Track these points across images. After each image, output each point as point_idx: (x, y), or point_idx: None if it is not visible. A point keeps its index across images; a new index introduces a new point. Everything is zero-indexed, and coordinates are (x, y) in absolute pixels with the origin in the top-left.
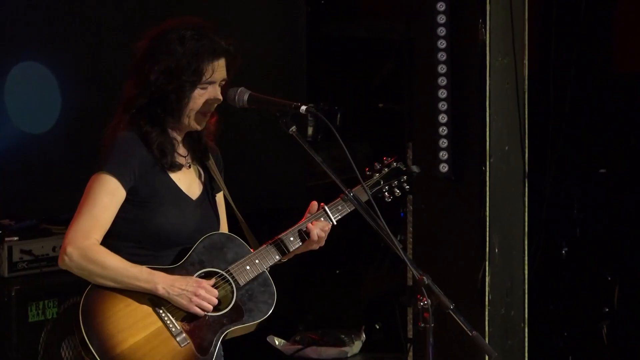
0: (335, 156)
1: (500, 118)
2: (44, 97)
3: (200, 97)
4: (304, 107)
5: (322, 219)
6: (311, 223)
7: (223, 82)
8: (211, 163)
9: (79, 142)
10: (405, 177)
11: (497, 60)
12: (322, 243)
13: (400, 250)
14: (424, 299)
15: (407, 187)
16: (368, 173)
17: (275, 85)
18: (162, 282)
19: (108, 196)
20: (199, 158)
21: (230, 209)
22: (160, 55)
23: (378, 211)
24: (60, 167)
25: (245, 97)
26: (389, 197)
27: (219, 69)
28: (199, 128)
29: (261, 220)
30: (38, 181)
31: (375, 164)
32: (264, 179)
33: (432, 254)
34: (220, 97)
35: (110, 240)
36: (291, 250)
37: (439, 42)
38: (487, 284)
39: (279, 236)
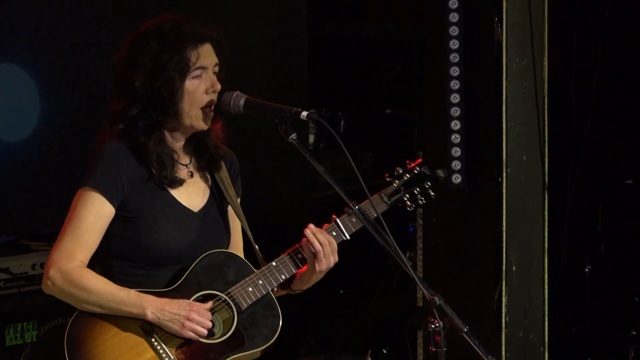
0: (339, 166)
1: (517, 125)
2: (21, 102)
3: (195, 88)
4: (305, 113)
5: (333, 233)
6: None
7: (217, 68)
8: (221, 170)
9: (59, 151)
10: (429, 182)
11: (515, 62)
12: (330, 261)
13: (409, 268)
14: (436, 321)
15: (432, 194)
16: (388, 179)
17: (274, 89)
18: (151, 306)
19: (93, 214)
20: (205, 166)
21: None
22: (141, 58)
23: (385, 226)
24: (41, 178)
25: (242, 102)
26: (411, 205)
27: (206, 54)
28: (204, 127)
29: (258, 237)
30: (16, 193)
31: (397, 168)
32: (261, 190)
33: (444, 272)
34: (218, 85)
35: (103, 260)
36: (301, 267)
37: (451, 43)
38: (503, 304)
39: (285, 253)
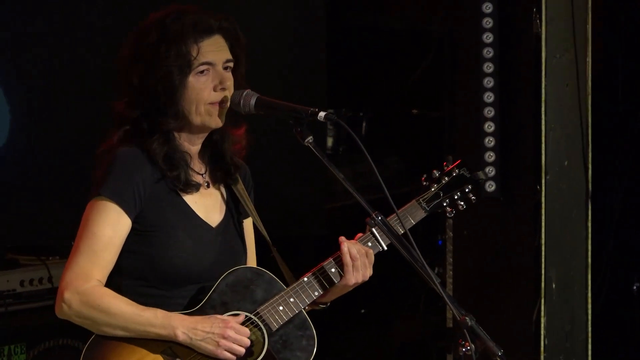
0: (360, 173)
1: (558, 127)
2: None
3: (200, 85)
4: (322, 114)
5: (369, 244)
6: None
7: (229, 65)
8: (237, 182)
9: (41, 158)
10: (470, 186)
11: (555, 57)
12: (366, 274)
13: (438, 285)
14: (467, 344)
15: (473, 198)
16: (425, 184)
17: (288, 87)
18: (181, 325)
19: (110, 227)
20: (221, 177)
21: (259, 237)
22: (141, 54)
23: (412, 239)
24: (28, 187)
25: (252, 101)
26: (452, 211)
27: (212, 48)
28: (217, 123)
29: (270, 250)
30: (1, 204)
31: (434, 171)
32: (272, 200)
33: (477, 290)
34: (230, 80)
35: (111, 278)
36: (336, 282)
37: (485, 36)
38: (542, 326)
39: (317, 267)
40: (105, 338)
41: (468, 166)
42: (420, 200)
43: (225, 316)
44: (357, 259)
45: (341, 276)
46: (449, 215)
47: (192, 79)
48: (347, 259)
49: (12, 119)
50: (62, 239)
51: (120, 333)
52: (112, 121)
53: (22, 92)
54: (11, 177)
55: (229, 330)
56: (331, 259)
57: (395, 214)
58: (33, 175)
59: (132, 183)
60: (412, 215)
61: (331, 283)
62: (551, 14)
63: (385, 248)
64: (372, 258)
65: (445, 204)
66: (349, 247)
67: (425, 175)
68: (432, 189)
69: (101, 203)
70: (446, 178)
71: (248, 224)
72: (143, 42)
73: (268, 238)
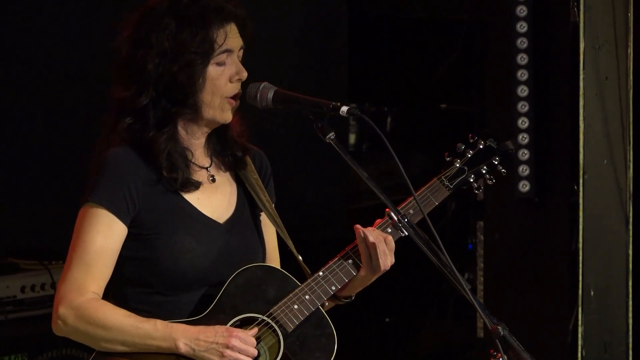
0: (384, 171)
1: (596, 123)
2: None
3: (218, 75)
4: (344, 108)
5: (388, 230)
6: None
7: (241, 52)
8: (249, 172)
9: (45, 159)
10: (498, 157)
11: (593, 49)
12: (387, 262)
13: (468, 292)
14: (499, 355)
15: (503, 170)
16: (448, 159)
17: (308, 79)
18: (183, 336)
19: (102, 234)
20: (228, 166)
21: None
22: (154, 36)
23: (440, 242)
24: (30, 187)
25: (270, 94)
26: (478, 187)
27: (232, 35)
28: (227, 119)
29: (290, 254)
30: (1, 205)
31: (459, 145)
32: (291, 201)
33: (509, 298)
34: (245, 72)
35: (116, 288)
36: (354, 274)
37: (519, 25)
38: (579, 336)
39: (333, 260)
40: (107, 354)
41: (497, 137)
42: (443, 177)
43: (230, 322)
44: (376, 246)
45: (359, 267)
46: (476, 192)
47: (211, 68)
48: (363, 247)
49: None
50: (65, 242)
51: (120, 348)
52: (109, 108)
53: (24, 94)
54: (12, 178)
55: (233, 340)
56: (348, 250)
57: (412, 198)
58: (34, 176)
59: (122, 186)
60: (434, 195)
61: (349, 275)
62: (590, 2)
63: (406, 233)
64: (393, 245)
65: (471, 180)
66: (366, 234)
67: (448, 152)
68: (456, 165)
69: (91, 210)
70: (471, 151)
71: (266, 218)
72: (156, 27)
73: (285, 232)
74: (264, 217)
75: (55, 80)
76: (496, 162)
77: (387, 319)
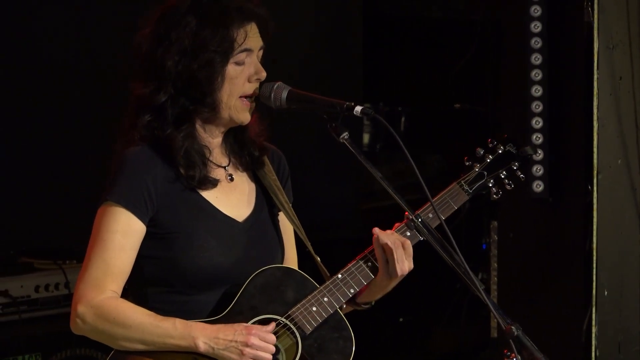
0: (399, 171)
1: (611, 122)
2: None
3: (237, 75)
4: (359, 108)
5: (407, 233)
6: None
7: (261, 53)
8: (267, 171)
9: (59, 157)
10: (517, 163)
11: (608, 49)
12: (404, 267)
13: (481, 292)
14: (513, 355)
15: (522, 176)
16: (467, 163)
17: (322, 79)
18: (202, 335)
19: (120, 233)
20: (247, 165)
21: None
22: (174, 34)
23: (454, 241)
24: (44, 187)
25: (284, 94)
26: (498, 192)
27: (251, 35)
28: (245, 119)
29: (304, 255)
30: (15, 204)
31: (478, 149)
32: (306, 200)
33: (523, 298)
34: (264, 72)
35: (136, 288)
36: (372, 276)
37: (533, 25)
38: (593, 336)
39: (352, 263)
40: (126, 353)
41: (516, 142)
42: (462, 182)
43: (249, 323)
44: (393, 251)
45: (377, 271)
46: (495, 197)
47: (230, 67)
48: (380, 251)
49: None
50: (79, 241)
51: (139, 347)
52: (128, 104)
53: (39, 92)
54: (26, 177)
55: (252, 338)
56: (367, 253)
57: (429, 204)
58: (48, 175)
59: (141, 185)
60: (453, 199)
61: (367, 278)
62: (604, 2)
63: (424, 238)
64: (411, 250)
65: (490, 185)
66: (383, 238)
67: (467, 156)
68: (476, 169)
69: (110, 209)
70: (490, 156)
71: (284, 217)
72: (177, 24)
73: (303, 233)
74: (281, 217)
75: (71, 81)
76: (515, 168)
77: (401, 319)
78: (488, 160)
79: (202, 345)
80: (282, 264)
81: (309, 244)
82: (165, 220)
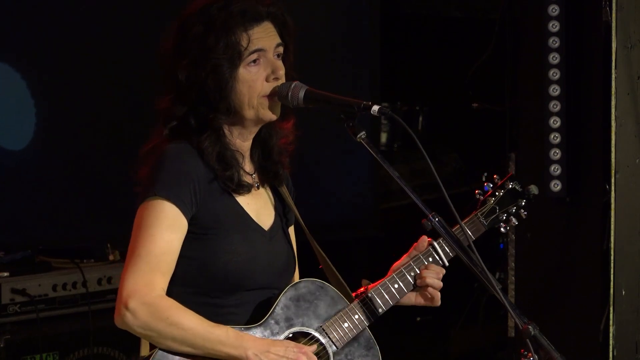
0: (416, 170)
1: (629, 121)
2: (16, 107)
3: (252, 77)
4: (376, 107)
5: (429, 259)
6: (424, 269)
7: (280, 49)
8: (284, 188)
9: (77, 157)
10: (522, 201)
11: (626, 48)
12: (438, 299)
13: (499, 291)
14: (530, 354)
15: (525, 213)
16: (481, 198)
17: (339, 78)
18: (253, 346)
19: (169, 229)
20: (268, 178)
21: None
22: (186, 47)
23: (472, 242)
24: (61, 186)
25: (301, 93)
26: (506, 227)
27: (262, 35)
28: (273, 116)
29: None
30: (32, 203)
31: (486, 184)
32: (323, 200)
33: (541, 297)
34: (282, 69)
35: None
36: (401, 297)
37: (551, 24)
38: (611, 335)
39: (381, 281)
40: (171, 354)
41: (532, 164)
42: (479, 214)
43: (283, 334)
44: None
45: (409, 289)
46: (504, 231)
47: (242, 70)
48: (429, 291)
49: (43, 119)
50: (96, 241)
51: (187, 349)
52: (156, 119)
53: (53, 92)
54: (43, 176)
55: (303, 357)
56: (402, 268)
57: (459, 226)
58: (66, 174)
59: (188, 182)
60: (472, 229)
61: (395, 299)
62: (622, 1)
63: (447, 264)
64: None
65: (501, 219)
66: (433, 284)
67: (478, 189)
68: (490, 203)
69: (158, 203)
70: (501, 191)
71: (292, 232)
72: (188, 34)
73: (319, 248)
74: (291, 231)
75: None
76: (521, 205)
77: (418, 319)
78: (499, 195)
79: (253, 357)
80: (294, 274)
81: (325, 256)
82: (203, 219)
